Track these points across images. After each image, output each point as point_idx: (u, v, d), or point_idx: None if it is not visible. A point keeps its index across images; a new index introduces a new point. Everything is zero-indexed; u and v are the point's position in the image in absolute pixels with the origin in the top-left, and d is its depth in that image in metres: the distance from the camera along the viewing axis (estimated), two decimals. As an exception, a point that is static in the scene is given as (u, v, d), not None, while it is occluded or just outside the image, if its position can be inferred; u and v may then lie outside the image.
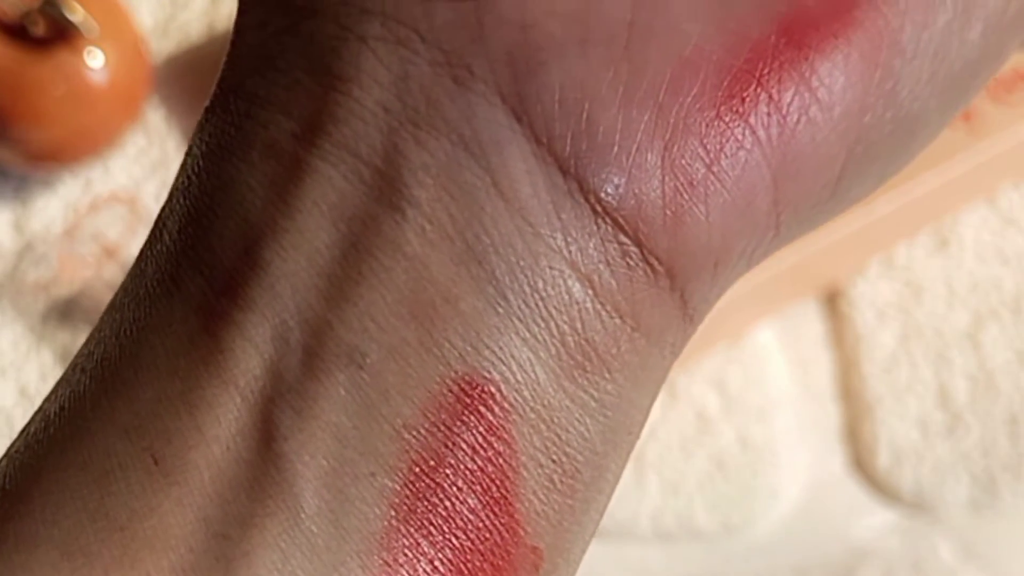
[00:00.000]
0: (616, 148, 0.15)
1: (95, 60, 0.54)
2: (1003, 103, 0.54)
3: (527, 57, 0.15)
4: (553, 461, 0.15)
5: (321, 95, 0.15)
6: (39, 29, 0.53)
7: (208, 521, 0.15)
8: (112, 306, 0.17)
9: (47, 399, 0.17)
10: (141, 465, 0.15)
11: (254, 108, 0.16)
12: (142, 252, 0.17)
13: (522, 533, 0.15)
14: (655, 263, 0.15)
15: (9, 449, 0.16)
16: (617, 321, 0.15)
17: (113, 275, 0.56)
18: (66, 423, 0.16)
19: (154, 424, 0.15)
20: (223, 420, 0.15)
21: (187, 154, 0.17)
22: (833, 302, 0.57)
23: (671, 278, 0.15)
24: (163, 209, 0.17)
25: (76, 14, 0.52)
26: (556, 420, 0.15)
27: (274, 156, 0.15)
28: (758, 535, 0.53)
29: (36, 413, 0.17)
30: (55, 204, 0.58)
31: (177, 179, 0.16)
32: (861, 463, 0.54)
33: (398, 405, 0.15)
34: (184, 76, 0.59)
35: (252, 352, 0.15)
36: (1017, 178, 0.58)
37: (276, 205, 0.15)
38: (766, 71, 0.15)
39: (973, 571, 0.52)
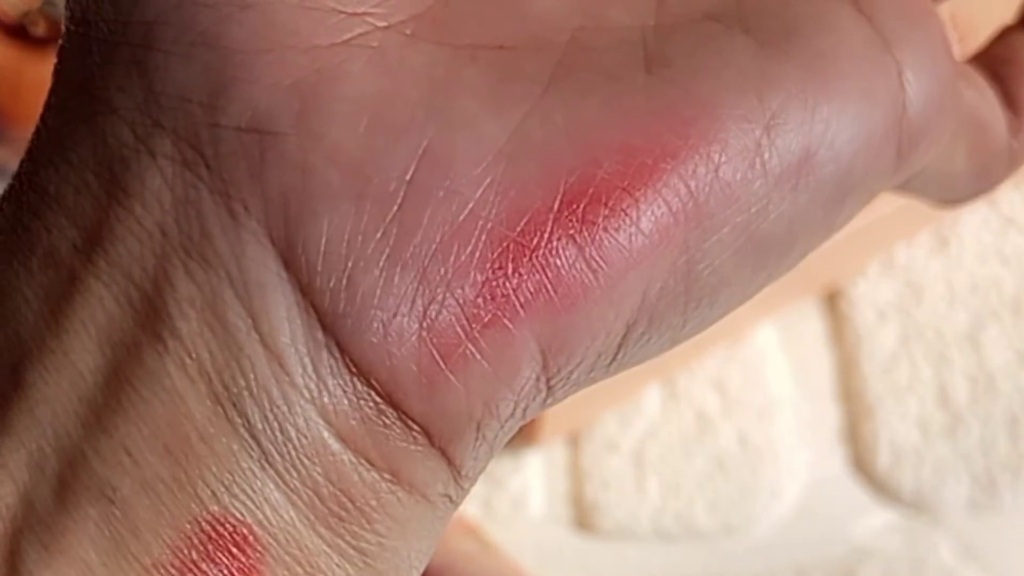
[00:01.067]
0: (373, 311, 0.15)
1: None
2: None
3: (301, 203, 0.15)
4: None
5: (105, 206, 0.15)
6: (39, 29, 0.52)
7: None
8: None
9: None
10: None
11: (41, 205, 0.15)
12: None
13: None
14: (411, 424, 0.15)
15: None
16: (374, 474, 0.15)
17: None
18: None
19: None
20: None
21: None
22: (833, 302, 0.57)
23: (428, 438, 0.15)
24: None
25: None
26: (313, 564, 0.15)
27: (52, 266, 0.15)
28: (758, 535, 0.53)
29: None
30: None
31: None
32: (861, 463, 0.54)
33: (148, 543, 0.14)
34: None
35: (6, 478, 0.15)
36: (1017, 178, 0.59)
37: (47, 321, 0.15)
38: (541, 244, 0.15)
39: (973, 571, 0.52)
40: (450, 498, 0.16)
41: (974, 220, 0.58)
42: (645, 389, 0.55)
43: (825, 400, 0.55)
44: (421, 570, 0.16)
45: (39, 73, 0.53)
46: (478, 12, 0.16)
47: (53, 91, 0.16)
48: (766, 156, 0.16)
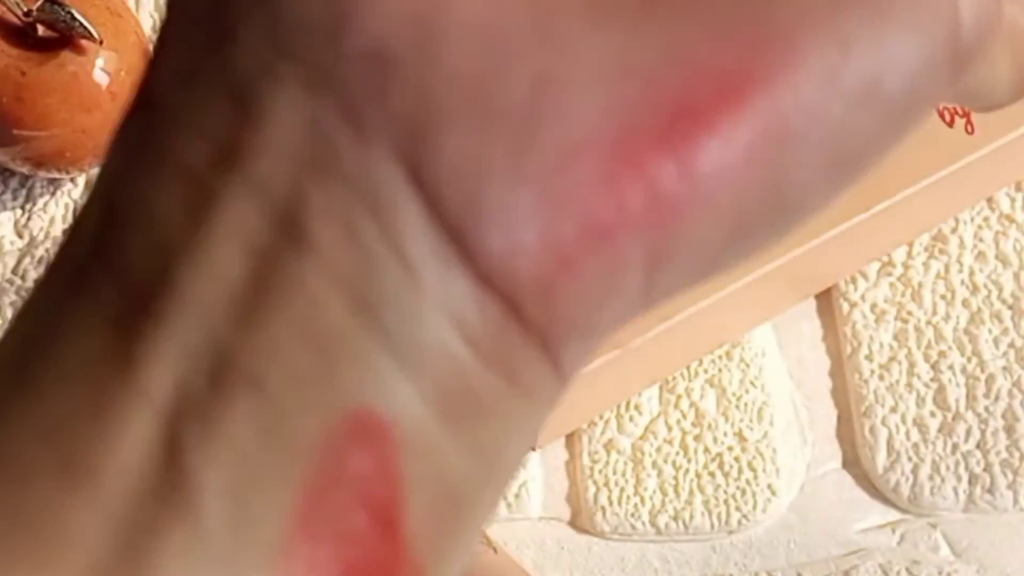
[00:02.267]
0: (498, 222, 0.16)
1: (99, 63, 0.54)
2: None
3: (425, 124, 0.16)
4: (435, 490, 0.16)
5: (236, 126, 0.16)
6: (44, 32, 0.53)
7: (117, 526, 0.15)
8: (28, 303, 0.17)
9: None
10: (53, 468, 0.16)
11: (168, 124, 0.16)
12: (60, 251, 0.17)
13: (406, 550, 0.16)
14: (529, 328, 0.16)
15: None
16: (494, 377, 0.16)
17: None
18: None
19: (66, 429, 0.16)
20: (132, 430, 0.16)
21: (107, 157, 0.17)
22: (831, 301, 0.57)
23: (543, 341, 0.17)
24: (81, 211, 0.17)
25: (80, 17, 0.52)
26: (439, 455, 0.16)
27: (188, 180, 0.16)
28: (756, 534, 0.53)
29: None
30: (57, 205, 0.58)
31: (97, 183, 0.17)
32: (859, 462, 0.54)
33: (297, 430, 0.16)
34: (186, 78, 0.60)
35: (162, 368, 0.16)
36: (1017, 178, 0.59)
37: (188, 229, 0.16)
38: (647, 162, 0.16)
39: (971, 570, 0.52)
40: (549, 401, 0.17)
41: (973, 219, 0.58)
42: (644, 389, 0.55)
43: (823, 399, 0.55)
44: (520, 461, 0.18)
45: (43, 75, 0.53)
46: None
47: (171, 22, 0.17)
48: (842, 77, 0.17)
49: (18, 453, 0.16)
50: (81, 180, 0.58)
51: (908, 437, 0.54)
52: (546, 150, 0.16)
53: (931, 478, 0.53)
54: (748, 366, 0.55)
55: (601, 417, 0.54)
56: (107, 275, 0.16)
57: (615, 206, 0.16)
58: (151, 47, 0.58)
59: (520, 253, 0.16)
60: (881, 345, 0.55)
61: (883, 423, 0.54)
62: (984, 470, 0.53)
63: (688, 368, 0.55)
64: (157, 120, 0.17)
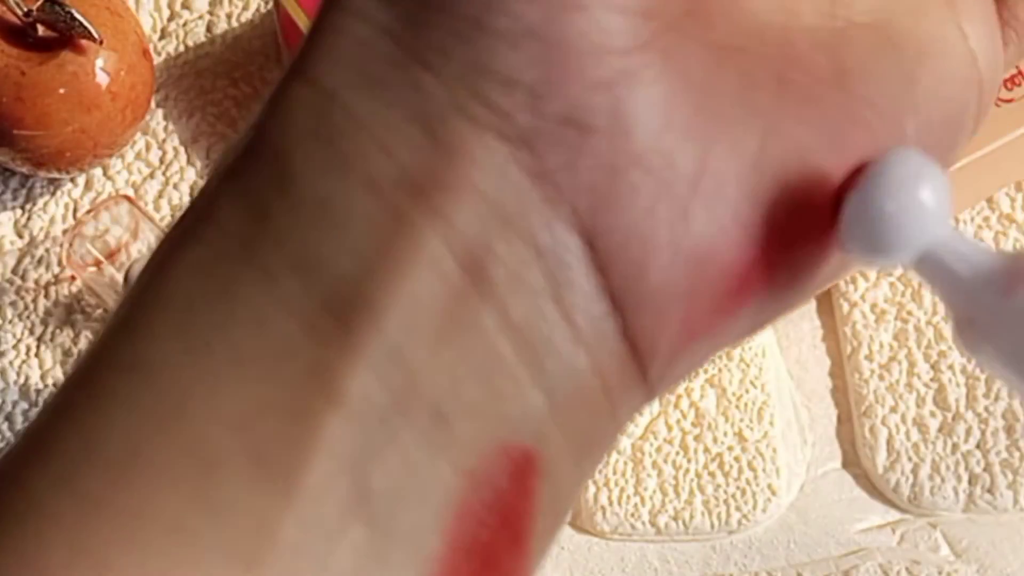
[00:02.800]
0: (654, 297, 0.18)
1: (99, 62, 0.54)
2: (1003, 102, 0.54)
3: (608, 197, 0.17)
4: (553, 507, 0.18)
5: (426, 154, 0.17)
6: (44, 32, 0.53)
7: (303, 521, 0.16)
8: (177, 261, 0.17)
9: (104, 333, 0.17)
10: (245, 461, 0.16)
11: (353, 129, 0.17)
12: (212, 215, 0.17)
13: (528, 559, 0.18)
14: (647, 382, 0.18)
15: (65, 386, 0.17)
16: (608, 420, 0.18)
17: (115, 276, 0.56)
18: (158, 395, 0.17)
19: (258, 425, 0.16)
20: (323, 434, 0.16)
21: (264, 133, 0.17)
22: (832, 302, 0.57)
23: (652, 390, 0.19)
24: (238, 183, 0.17)
25: (80, 17, 0.52)
26: (560, 482, 0.18)
27: (375, 194, 0.17)
28: (756, 534, 0.53)
29: (101, 352, 0.17)
30: (57, 205, 0.58)
31: (254, 157, 0.17)
32: (859, 462, 0.54)
33: (463, 454, 0.17)
34: (185, 78, 0.60)
35: (353, 377, 0.17)
36: (1017, 178, 0.59)
37: (378, 244, 0.17)
38: (776, 252, 0.18)
39: (970, 570, 0.52)
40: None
41: (974, 219, 0.58)
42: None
43: (823, 399, 0.55)
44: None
45: (43, 75, 0.53)
46: (720, 6, 0.19)
47: (337, 9, 0.17)
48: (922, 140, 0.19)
49: (203, 439, 0.16)
50: (81, 180, 0.58)
51: (908, 437, 0.54)
52: (702, 229, 0.18)
53: (931, 478, 0.53)
54: (748, 366, 0.55)
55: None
56: (293, 271, 0.17)
57: (748, 282, 0.18)
58: (151, 47, 0.58)
59: (666, 326, 0.18)
60: (881, 345, 0.55)
61: (883, 423, 0.54)
62: (984, 470, 0.53)
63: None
64: (335, 117, 0.17)
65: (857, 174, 0.19)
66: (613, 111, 0.17)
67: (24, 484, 0.17)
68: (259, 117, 0.18)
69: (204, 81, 0.60)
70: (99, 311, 0.56)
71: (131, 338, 0.17)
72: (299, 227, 0.17)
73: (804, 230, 0.18)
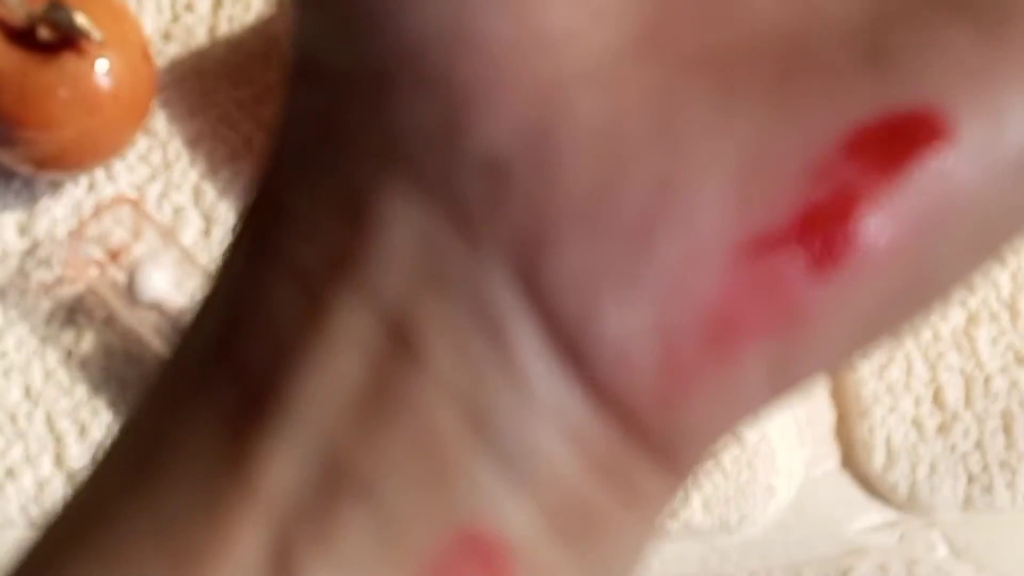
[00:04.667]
0: (615, 339, 0.15)
1: (101, 65, 0.54)
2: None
3: (540, 239, 0.15)
4: None
5: (349, 234, 0.16)
6: (45, 34, 0.53)
7: None
8: (149, 394, 0.17)
9: (85, 479, 0.17)
10: (165, 568, 0.16)
11: (288, 228, 0.16)
12: (180, 345, 0.17)
13: None
14: (648, 440, 0.16)
15: (42, 532, 0.17)
16: (610, 492, 0.16)
17: (117, 277, 0.56)
18: (94, 512, 0.17)
19: (178, 530, 0.16)
20: (244, 532, 0.16)
21: (229, 253, 0.17)
22: (830, 303, 0.57)
23: (663, 451, 0.16)
24: (203, 305, 0.17)
25: (82, 19, 0.52)
26: (551, 574, 0.16)
27: (303, 281, 0.16)
28: (754, 533, 0.53)
29: (73, 490, 0.17)
30: (60, 207, 0.58)
31: (218, 278, 0.17)
32: (857, 462, 0.54)
33: (409, 543, 0.15)
34: (187, 80, 0.60)
35: (275, 471, 0.16)
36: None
37: (304, 334, 0.16)
38: (775, 271, 0.15)
39: (968, 570, 0.52)
40: (666, 504, 0.17)
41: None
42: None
43: (821, 399, 0.55)
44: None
45: (45, 78, 0.53)
46: (697, 15, 0.16)
47: (289, 117, 0.17)
48: (996, 154, 0.16)
49: (132, 548, 0.16)
50: (83, 181, 0.58)
51: (906, 437, 0.54)
52: (665, 260, 0.15)
53: (929, 478, 0.53)
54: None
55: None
56: (226, 375, 0.16)
57: (738, 317, 0.15)
58: (152, 51, 0.58)
59: (638, 373, 0.15)
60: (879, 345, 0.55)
61: (881, 423, 0.54)
62: (982, 470, 0.53)
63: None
64: (274, 221, 0.17)
65: None
66: (536, 149, 0.15)
67: None
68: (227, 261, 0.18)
69: (206, 83, 0.60)
70: (102, 313, 0.56)
71: (96, 469, 0.17)
72: (235, 331, 0.17)
73: (818, 240, 0.15)
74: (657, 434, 0.16)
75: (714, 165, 0.15)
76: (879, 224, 0.15)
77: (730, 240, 0.15)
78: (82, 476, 0.17)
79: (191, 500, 0.16)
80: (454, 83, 0.16)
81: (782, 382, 0.16)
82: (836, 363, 0.16)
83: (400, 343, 0.16)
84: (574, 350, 0.15)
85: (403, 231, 0.16)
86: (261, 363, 0.16)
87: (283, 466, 0.16)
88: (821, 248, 0.15)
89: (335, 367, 0.16)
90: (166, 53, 0.60)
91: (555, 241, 0.15)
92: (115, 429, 0.18)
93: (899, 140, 0.15)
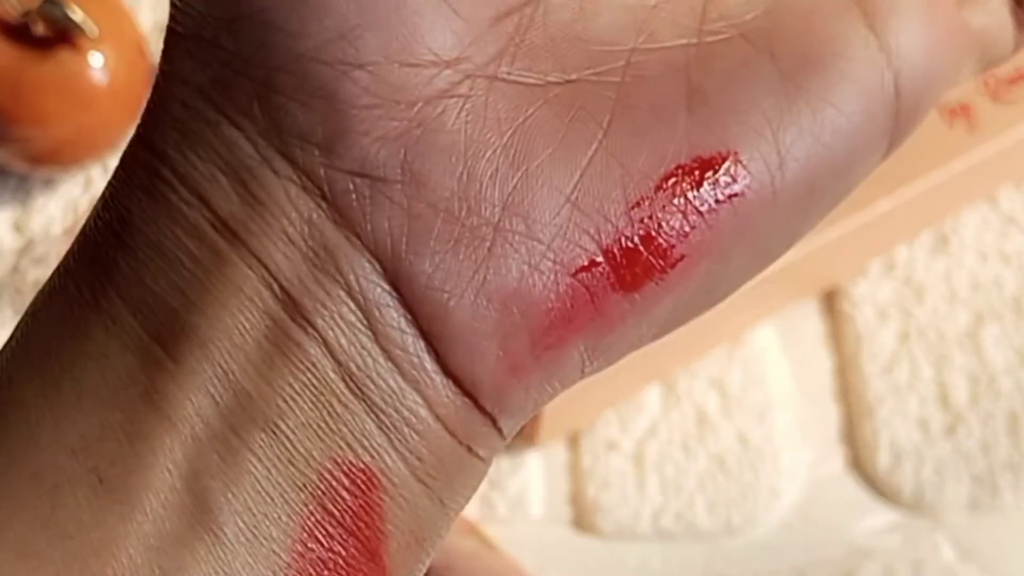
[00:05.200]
0: (464, 336, 0.19)
1: (96, 60, 0.54)
2: (1003, 102, 0.54)
3: (407, 242, 0.18)
4: (410, 530, 0.19)
5: (237, 203, 0.18)
6: (40, 29, 0.52)
7: (146, 537, 0.18)
8: (39, 313, 0.19)
9: None
10: (88, 483, 0.18)
11: (176, 183, 0.19)
12: (67, 269, 0.19)
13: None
14: (484, 413, 0.19)
15: None
16: (457, 446, 0.19)
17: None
18: (10, 430, 0.18)
19: (99, 448, 0.18)
20: (159, 451, 0.18)
21: (112, 192, 0.19)
22: (833, 302, 0.57)
23: (493, 422, 0.20)
24: (87, 230, 0.19)
25: (77, 14, 0.52)
26: (413, 504, 0.19)
27: (197, 237, 0.18)
28: (758, 535, 0.53)
29: None
30: (55, 203, 0.58)
31: (103, 213, 0.19)
32: (861, 463, 0.54)
33: (303, 468, 0.18)
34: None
35: (184, 399, 0.18)
36: (1017, 178, 0.58)
37: (202, 281, 0.18)
38: (594, 285, 0.19)
39: (973, 571, 0.52)
40: (495, 454, 0.21)
41: (975, 220, 0.58)
42: (645, 389, 0.55)
43: (825, 400, 0.55)
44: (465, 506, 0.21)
45: (39, 73, 0.53)
46: (548, 40, 0.19)
47: (167, 75, 0.19)
48: (779, 191, 0.20)
49: (52, 465, 0.18)
50: (80, 179, 0.58)
51: (910, 438, 0.54)
52: (510, 272, 0.19)
53: (934, 479, 0.53)
54: (750, 367, 0.55)
55: (603, 417, 0.54)
56: (129, 308, 0.18)
57: (564, 320, 0.19)
58: (148, 46, 0.58)
59: (481, 362, 0.19)
60: (883, 346, 0.55)
61: (886, 424, 0.54)
62: (987, 471, 0.53)
63: (690, 369, 0.55)
64: (163, 173, 0.19)
65: None
66: (405, 162, 0.18)
67: None
68: (110, 179, 0.20)
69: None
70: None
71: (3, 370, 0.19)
72: (137, 271, 0.18)
73: (630, 267, 0.19)
74: (493, 407, 0.19)
75: (550, 191, 0.19)
76: (679, 250, 0.19)
77: (563, 260, 0.19)
78: None
79: (107, 423, 0.18)
80: (338, 99, 0.18)
81: (591, 369, 0.20)
82: (639, 347, 0.20)
83: (290, 310, 0.18)
84: (431, 338, 0.19)
85: (293, 219, 0.18)
86: (164, 303, 0.18)
87: (195, 398, 0.18)
88: (629, 271, 0.19)
89: (235, 317, 0.18)
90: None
91: (418, 248, 0.18)
92: (14, 339, 0.19)
93: (701, 180, 0.19)
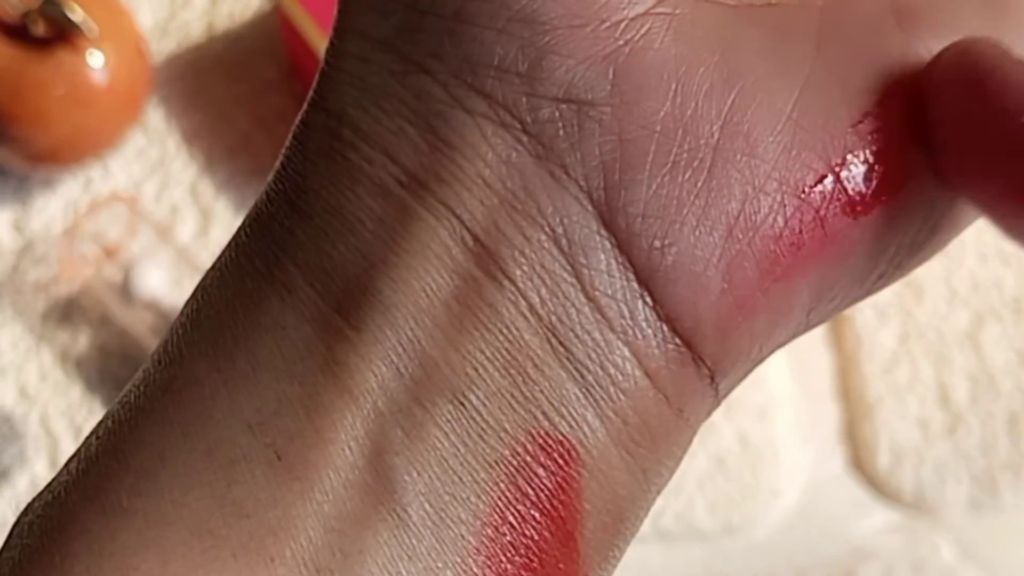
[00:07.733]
0: (686, 267, 0.17)
1: (96, 60, 0.54)
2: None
3: (620, 170, 0.17)
4: (607, 507, 0.18)
5: (427, 152, 0.17)
6: (40, 29, 0.52)
7: (326, 517, 0.17)
8: (210, 289, 0.18)
9: (151, 362, 0.18)
10: (265, 459, 0.17)
11: (358, 141, 0.17)
12: (239, 244, 0.18)
13: (580, 561, 0.17)
14: (703, 365, 0.17)
15: (109, 415, 0.18)
16: (667, 408, 0.18)
17: (113, 275, 0.56)
18: (184, 405, 0.17)
19: (276, 423, 0.17)
20: (340, 427, 0.17)
21: (285, 161, 0.18)
22: (834, 302, 0.57)
23: (712, 375, 0.18)
24: (261, 207, 0.18)
25: (76, 14, 0.52)
26: (613, 477, 0.17)
27: (381, 196, 0.17)
28: (758, 535, 0.53)
29: (143, 379, 0.18)
30: (55, 204, 0.58)
31: (276, 181, 0.18)
32: (861, 463, 0.54)
33: (493, 443, 0.17)
34: (184, 76, 0.59)
35: (366, 370, 0.17)
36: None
37: (386, 242, 0.17)
38: (824, 207, 0.17)
39: (973, 571, 0.52)
40: (701, 422, 0.19)
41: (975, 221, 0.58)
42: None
43: (825, 400, 0.55)
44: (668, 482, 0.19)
45: (40, 73, 0.53)
46: None
47: (345, 36, 0.18)
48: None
49: (228, 440, 0.17)
50: (80, 179, 0.58)
51: (910, 438, 0.54)
52: (733, 194, 0.17)
53: (934, 479, 0.53)
54: (750, 366, 0.55)
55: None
56: (306, 277, 0.17)
57: (793, 251, 0.17)
58: (148, 45, 0.58)
59: (705, 297, 0.17)
60: (883, 346, 0.55)
61: (886, 424, 0.54)
62: (987, 471, 0.53)
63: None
64: (342, 133, 0.18)
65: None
66: (614, 83, 0.17)
67: (62, 503, 0.17)
68: (284, 149, 0.19)
69: (204, 79, 0.59)
70: (97, 312, 0.56)
71: (168, 363, 0.18)
72: (313, 238, 0.17)
73: (860, 186, 0.17)
74: (711, 357, 0.17)
75: (770, 109, 0.17)
76: (904, 170, 0.17)
77: (788, 181, 0.17)
78: (161, 352, 0.18)
79: (286, 396, 0.17)
80: (538, 21, 0.17)
81: (815, 319, 0.18)
82: (858, 298, 0.19)
83: (484, 262, 0.17)
84: (647, 279, 0.17)
85: (490, 160, 0.17)
86: (343, 269, 0.17)
87: (374, 370, 0.17)
88: (859, 191, 0.17)
89: (422, 279, 0.17)
90: (163, 49, 0.60)
91: (633, 174, 0.17)
92: (185, 316, 0.18)
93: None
